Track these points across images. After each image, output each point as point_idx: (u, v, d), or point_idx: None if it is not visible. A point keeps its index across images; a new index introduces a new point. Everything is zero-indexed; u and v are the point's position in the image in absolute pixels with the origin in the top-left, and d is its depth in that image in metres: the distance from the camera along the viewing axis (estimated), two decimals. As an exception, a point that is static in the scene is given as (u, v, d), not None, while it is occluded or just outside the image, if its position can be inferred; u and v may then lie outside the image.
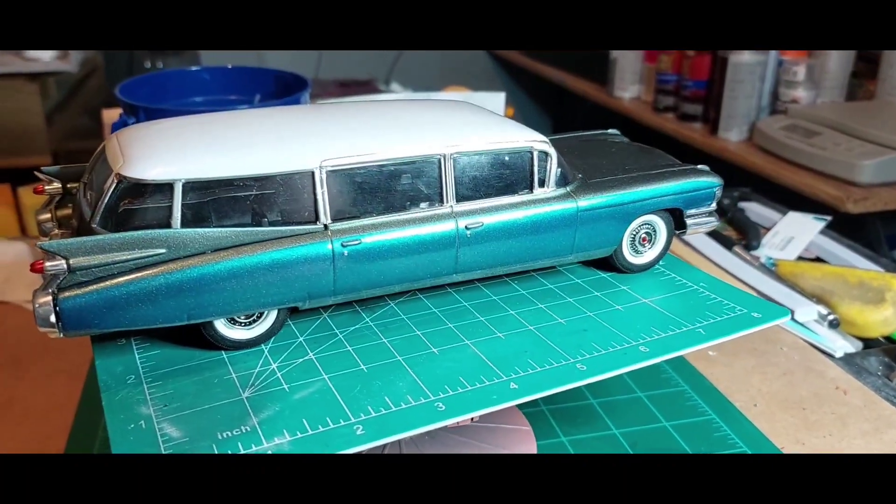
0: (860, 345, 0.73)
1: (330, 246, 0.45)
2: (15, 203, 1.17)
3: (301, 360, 0.45)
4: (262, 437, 0.39)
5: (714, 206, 0.57)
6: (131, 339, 0.46)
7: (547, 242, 0.52)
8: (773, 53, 1.48)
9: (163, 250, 0.42)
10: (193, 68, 0.85)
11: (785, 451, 0.57)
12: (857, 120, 1.31)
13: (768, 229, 0.98)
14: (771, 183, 1.33)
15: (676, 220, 0.57)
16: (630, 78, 1.88)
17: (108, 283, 0.41)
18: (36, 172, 0.51)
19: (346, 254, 0.45)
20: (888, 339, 0.75)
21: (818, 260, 0.91)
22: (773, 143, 1.39)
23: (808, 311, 0.76)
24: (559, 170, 0.52)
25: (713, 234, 0.95)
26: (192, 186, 0.42)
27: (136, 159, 0.43)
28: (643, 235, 0.56)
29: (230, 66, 0.85)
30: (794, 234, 0.96)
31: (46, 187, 0.51)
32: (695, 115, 1.62)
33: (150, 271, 0.41)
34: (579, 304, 0.52)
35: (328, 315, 0.50)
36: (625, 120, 1.89)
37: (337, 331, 0.48)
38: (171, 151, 0.44)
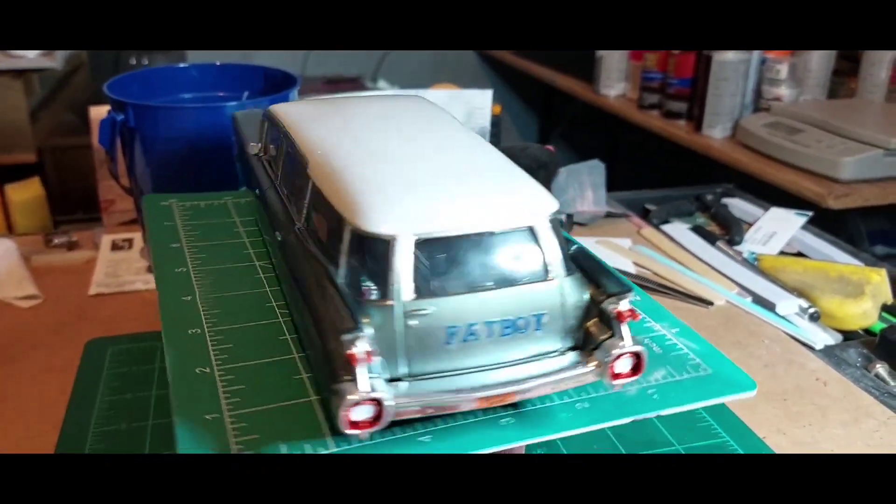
0: (840, 337, 0.75)
1: None
2: (2, 201, 1.16)
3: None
4: None
5: None
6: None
7: None
8: (756, 52, 1.49)
9: None
10: (181, 65, 0.85)
11: (767, 441, 0.59)
12: (839, 117, 1.33)
13: (751, 225, 1.00)
14: (754, 179, 1.35)
15: None
16: (616, 76, 1.89)
17: None
18: None
19: None
20: (867, 331, 0.77)
21: (799, 255, 0.93)
22: (757, 141, 1.41)
23: (789, 305, 0.78)
24: None
25: (696, 230, 0.97)
26: None
27: (497, 210, 0.37)
28: None
29: (218, 63, 0.86)
30: (776, 229, 0.97)
31: None
32: (679, 112, 1.64)
33: None
34: None
35: None
36: (611, 117, 1.90)
37: None
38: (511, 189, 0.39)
